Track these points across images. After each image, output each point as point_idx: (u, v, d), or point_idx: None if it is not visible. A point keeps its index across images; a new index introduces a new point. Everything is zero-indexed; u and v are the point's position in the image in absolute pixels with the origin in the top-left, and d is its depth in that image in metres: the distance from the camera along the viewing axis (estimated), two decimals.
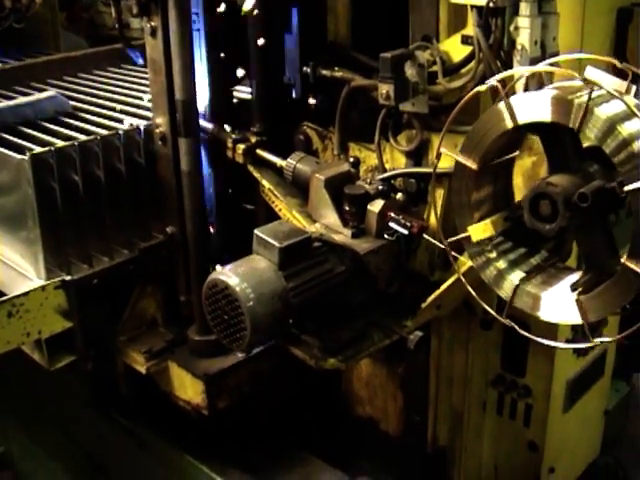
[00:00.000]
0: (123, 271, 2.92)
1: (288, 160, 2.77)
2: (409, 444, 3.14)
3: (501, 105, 1.87)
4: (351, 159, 2.61)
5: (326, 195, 2.46)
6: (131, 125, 2.97)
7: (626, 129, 1.71)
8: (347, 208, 2.42)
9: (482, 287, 2.07)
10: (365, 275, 2.35)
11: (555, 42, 2.21)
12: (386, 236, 2.38)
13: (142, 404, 3.42)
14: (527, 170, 2.22)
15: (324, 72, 2.80)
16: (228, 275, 2.13)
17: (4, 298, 2.60)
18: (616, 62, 1.86)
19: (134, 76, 3.82)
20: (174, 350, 3.02)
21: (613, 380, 3.47)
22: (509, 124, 1.87)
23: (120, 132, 2.87)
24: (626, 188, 1.71)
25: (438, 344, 2.98)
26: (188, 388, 2.93)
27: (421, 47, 2.43)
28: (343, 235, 2.41)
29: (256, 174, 2.96)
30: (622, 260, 1.75)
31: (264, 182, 2.92)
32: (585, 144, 1.87)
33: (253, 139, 2.97)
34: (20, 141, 2.94)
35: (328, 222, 2.46)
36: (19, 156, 2.69)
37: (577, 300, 1.86)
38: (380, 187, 2.46)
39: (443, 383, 3.03)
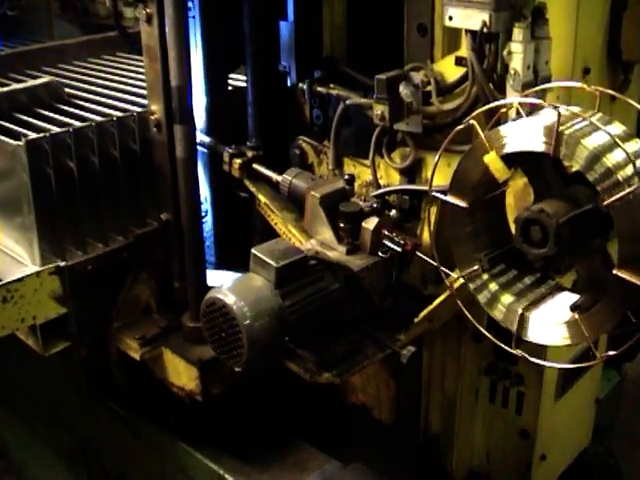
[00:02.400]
0: (118, 257, 2.92)
1: (284, 176, 2.82)
2: (402, 431, 3.15)
3: (481, 140, 1.92)
4: (346, 176, 2.64)
5: (321, 212, 2.51)
6: None
7: (590, 144, 1.76)
8: (342, 225, 2.47)
9: (474, 302, 2.11)
10: (359, 291, 2.40)
11: (547, 66, 2.25)
12: (380, 253, 2.43)
13: (136, 391, 3.43)
14: (518, 190, 2.24)
15: (320, 89, 2.86)
16: (225, 294, 2.19)
17: None
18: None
19: (129, 64, 3.81)
20: (168, 336, 3.02)
21: (604, 369, 3.50)
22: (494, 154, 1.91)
23: (115, 119, 2.87)
24: (605, 203, 1.74)
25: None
26: (182, 374, 2.94)
27: (415, 68, 2.47)
28: (338, 252, 2.46)
29: (252, 188, 3.02)
30: (614, 271, 1.77)
31: (260, 196, 2.99)
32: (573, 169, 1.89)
33: (249, 153, 3.02)
34: (15, 127, 2.93)
35: (323, 238, 2.51)
36: (14, 142, 2.69)
37: (576, 320, 1.88)
38: (375, 204, 2.51)
39: (436, 371, 3.05)
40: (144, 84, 2.95)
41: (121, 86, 3.44)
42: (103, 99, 3.24)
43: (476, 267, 2.08)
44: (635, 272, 1.74)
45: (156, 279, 3.09)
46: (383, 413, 3.16)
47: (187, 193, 2.84)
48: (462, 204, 2.03)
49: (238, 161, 3.01)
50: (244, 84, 3.08)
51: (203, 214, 3.04)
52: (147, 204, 2.99)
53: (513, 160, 1.96)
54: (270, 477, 3.07)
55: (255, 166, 3.01)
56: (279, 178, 2.86)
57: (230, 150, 3.04)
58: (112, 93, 3.33)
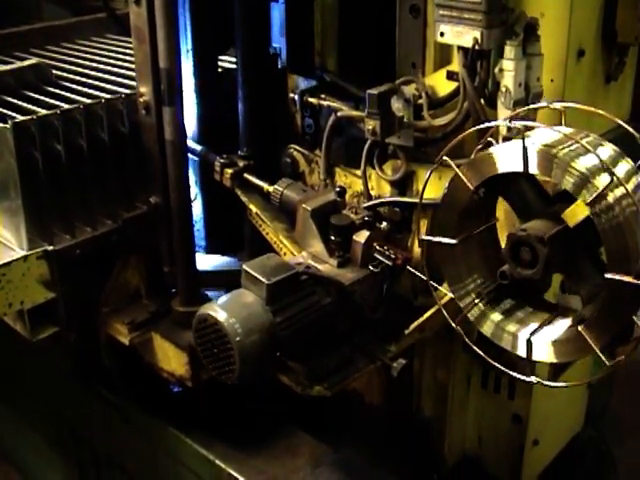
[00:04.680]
0: (106, 242, 2.89)
1: (275, 186, 2.83)
2: (394, 416, 3.14)
3: (455, 176, 1.96)
4: (337, 188, 2.64)
5: (313, 225, 2.51)
6: None
7: (580, 166, 1.77)
8: (333, 238, 2.47)
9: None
10: (350, 304, 2.41)
11: (539, 82, 2.25)
12: (371, 267, 2.43)
13: (125, 376, 3.41)
14: (508, 208, 2.23)
15: (311, 100, 2.85)
16: (217, 310, 2.20)
17: None
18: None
19: (118, 45, 3.76)
20: (158, 321, 3.00)
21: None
22: (470, 189, 1.96)
23: (103, 101, 2.83)
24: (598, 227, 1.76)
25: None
26: (172, 359, 2.91)
27: (407, 81, 2.46)
28: (329, 264, 2.47)
29: (244, 198, 3.02)
30: (606, 275, 1.77)
31: (251, 206, 2.99)
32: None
33: (241, 163, 3.02)
34: (1, 109, 2.88)
35: (314, 251, 2.52)
36: (1, 125, 2.65)
37: (580, 332, 1.87)
38: (366, 217, 2.51)
39: (428, 356, 3.03)
40: (133, 66, 2.92)
41: (110, 68, 3.40)
42: (91, 81, 3.20)
43: (476, 301, 2.10)
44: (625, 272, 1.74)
45: (145, 263, 3.06)
46: (375, 398, 3.15)
47: (176, 176, 2.81)
48: (452, 241, 2.06)
49: (229, 171, 3.02)
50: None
51: (192, 197, 3.01)
52: (136, 187, 2.96)
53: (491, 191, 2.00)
54: (261, 462, 3.06)
55: (246, 176, 3.02)
56: (270, 188, 2.88)
57: (221, 160, 3.04)
58: (100, 75, 3.28)
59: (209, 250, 3.37)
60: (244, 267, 2.28)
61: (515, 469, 3.11)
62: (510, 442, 3.07)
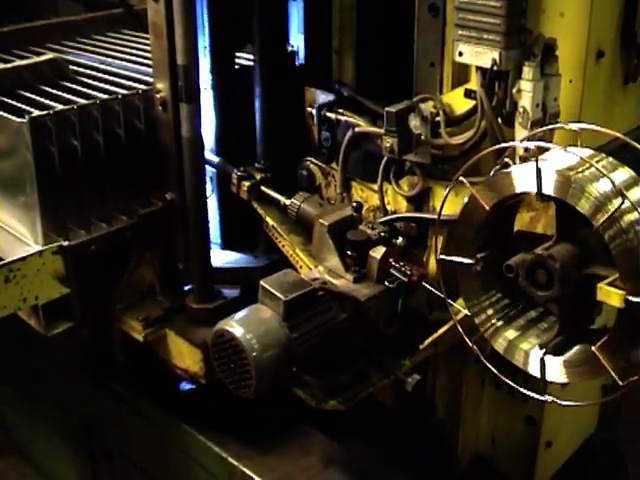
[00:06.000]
0: (121, 237, 2.88)
1: (292, 200, 2.86)
2: (406, 416, 3.13)
3: (471, 196, 1.99)
4: (354, 203, 2.64)
5: (329, 240, 2.52)
6: None
7: (594, 190, 1.78)
8: (349, 253, 2.48)
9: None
10: (366, 320, 2.43)
11: (556, 102, 2.25)
12: (386, 283, 2.45)
13: (139, 372, 3.41)
14: (525, 225, 2.25)
15: (329, 114, 2.84)
16: (234, 326, 2.23)
17: (1, 263, 2.58)
18: (619, 135, 1.92)
19: (134, 41, 3.76)
20: (172, 318, 3.00)
21: None
22: (487, 208, 1.97)
23: (120, 96, 2.83)
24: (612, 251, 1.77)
25: None
26: (186, 356, 2.92)
27: (424, 99, 2.46)
28: (345, 279, 2.48)
29: (260, 211, 3.02)
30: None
31: (268, 219, 2.99)
32: None
33: (258, 176, 3.01)
34: (18, 104, 2.88)
35: (330, 265, 2.53)
36: (18, 119, 2.65)
37: (594, 353, 1.88)
38: (382, 233, 2.52)
39: (441, 356, 3.02)
40: (150, 62, 2.91)
41: (126, 64, 3.40)
42: (108, 77, 3.20)
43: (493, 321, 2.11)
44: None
45: (160, 260, 3.06)
46: (387, 397, 3.14)
47: (192, 173, 2.81)
48: (467, 261, 2.06)
49: (246, 184, 3.02)
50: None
51: (208, 194, 3.00)
52: (151, 183, 2.95)
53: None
54: (273, 460, 3.05)
55: (263, 188, 3.02)
56: (287, 202, 2.89)
57: (238, 172, 3.03)
58: (117, 71, 3.28)
59: (224, 247, 3.36)
60: (261, 283, 2.30)
61: (528, 470, 3.10)
62: (523, 444, 3.06)
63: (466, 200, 2.03)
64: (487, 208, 1.97)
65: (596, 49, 2.41)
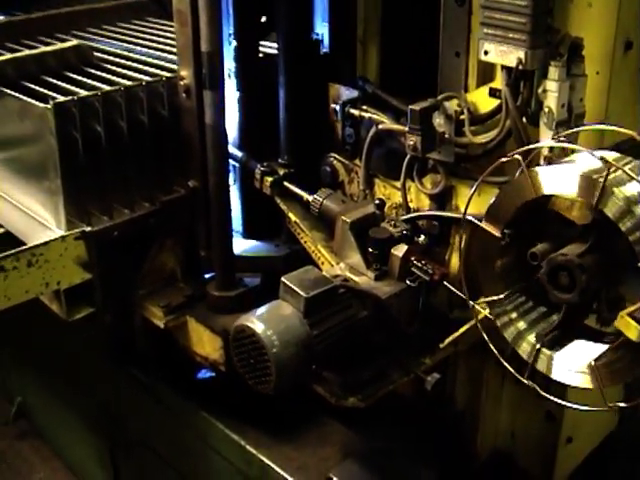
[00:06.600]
0: (143, 224, 2.90)
1: (315, 196, 2.86)
2: (426, 408, 3.12)
3: (523, 176, 1.95)
4: (377, 200, 2.64)
5: (351, 237, 2.52)
6: None
7: (623, 194, 1.79)
8: (371, 250, 2.47)
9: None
10: (386, 317, 2.42)
11: (582, 103, 2.24)
12: (408, 281, 2.44)
13: (159, 359, 3.42)
14: (561, 207, 2.19)
15: (353, 111, 2.84)
16: (254, 322, 2.22)
17: (24, 247, 2.59)
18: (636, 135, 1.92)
19: (159, 28, 3.77)
20: (193, 305, 3.01)
21: None
22: (531, 195, 1.94)
23: (144, 83, 2.83)
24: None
25: None
26: (206, 344, 2.92)
27: (449, 97, 2.45)
28: (366, 277, 2.48)
29: (283, 206, 3.03)
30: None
31: (290, 215, 2.99)
32: None
33: (281, 171, 3.02)
34: (43, 90, 2.90)
35: (352, 262, 2.53)
36: (42, 105, 2.66)
37: (594, 367, 1.90)
38: (404, 231, 2.51)
39: (461, 354, 3.01)
40: (174, 49, 2.91)
41: (150, 51, 3.40)
42: (132, 63, 3.21)
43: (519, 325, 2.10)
44: None
45: (182, 247, 3.07)
46: (407, 389, 3.13)
47: (215, 160, 2.80)
48: (496, 233, 2.04)
49: (269, 179, 3.02)
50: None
51: (231, 182, 3.00)
52: (174, 170, 2.96)
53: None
54: (292, 450, 3.05)
55: (286, 184, 3.02)
56: (310, 198, 2.88)
57: (262, 168, 3.04)
58: (141, 58, 3.29)
59: (246, 235, 3.36)
60: (283, 279, 2.30)
61: (548, 466, 3.08)
62: (543, 439, 3.04)
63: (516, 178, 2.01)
64: (533, 195, 1.95)
65: (624, 40, 2.38)
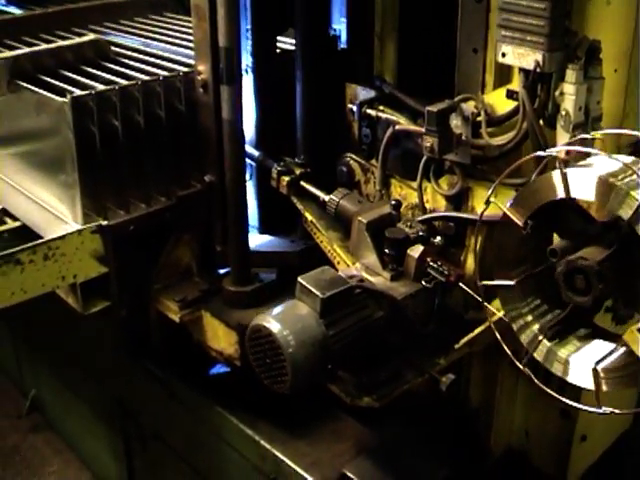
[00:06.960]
0: (160, 218, 2.91)
1: (331, 196, 2.85)
2: (440, 406, 3.11)
3: (557, 174, 1.90)
4: (393, 201, 2.63)
5: (367, 238, 2.52)
6: None
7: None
8: (387, 251, 2.47)
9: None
10: (402, 318, 2.42)
11: (599, 106, 2.23)
12: (423, 282, 2.44)
13: (174, 354, 3.43)
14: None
15: (370, 111, 2.83)
16: (270, 322, 2.22)
17: (41, 241, 2.60)
18: None
19: (176, 24, 3.77)
20: (208, 300, 3.01)
21: None
22: (560, 194, 1.90)
23: (161, 78, 2.84)
24: None
25: None
26: (221, 338, 2.93)
27: (466, 99, 2.45)
28: (382, 277, 2.48)
29: (299, 206, 3.02)
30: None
31: (307, 214, 2.98)
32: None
33: (297, 171, 3.00)
34: (60, 84, 2.91)
35: (368, 262, 2.53)
36: (60, 99, 2.67)
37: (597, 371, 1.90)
38: (420, 232, 2.51)
39: (476, 355, 3.00)
40: (191, 44, 2.91)
41: (168, 46, 3.41)
42: (149, 58, 3.21)
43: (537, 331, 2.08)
44: None
45: (198, 241, 3.08)
46: (421, 385, 3.13)
47: (232, 155, 2.81)
48: (519, 222, 2.01)
49: (286, 179, 3.01)
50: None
51: (247, 177, 3.00)
52: (191, 165, 2.96)
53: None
54: (306, 445, 3.05)
55: (303, 184, 3.01)
56: (326, 198, 2.88)
57: (278, 167, 3.03)
58: (158, 52, 3.29)
59: (262, 230, 3.37)
60: (299, 279, 2.30)
61: (562, 464, 3.07)
62: (558, 437, 3.03)
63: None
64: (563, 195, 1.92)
65: None
